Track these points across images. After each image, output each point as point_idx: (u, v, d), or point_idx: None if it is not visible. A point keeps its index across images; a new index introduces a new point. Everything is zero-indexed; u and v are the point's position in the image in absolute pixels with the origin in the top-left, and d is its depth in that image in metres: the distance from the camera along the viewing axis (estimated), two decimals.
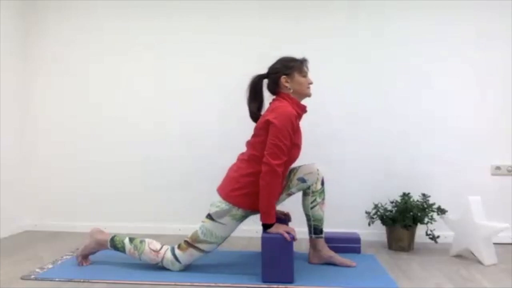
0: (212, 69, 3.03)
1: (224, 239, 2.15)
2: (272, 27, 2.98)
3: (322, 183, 2.26)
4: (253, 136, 2.18)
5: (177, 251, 2.13)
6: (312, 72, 2.90)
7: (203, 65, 3.04)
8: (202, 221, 2.13)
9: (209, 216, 2.12)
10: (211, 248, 2.14)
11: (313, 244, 2.29)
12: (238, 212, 2.10)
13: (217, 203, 2.12)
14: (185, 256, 2.12)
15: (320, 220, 2.25)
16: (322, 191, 2.26)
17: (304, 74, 2.20)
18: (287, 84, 2.17)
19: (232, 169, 2.21)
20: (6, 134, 2.96)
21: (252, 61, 2.98)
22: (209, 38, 3.04)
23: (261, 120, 2.13)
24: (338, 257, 2.26)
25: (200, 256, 2.14)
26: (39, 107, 3.16)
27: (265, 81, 2.27)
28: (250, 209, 2.11)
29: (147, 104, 3.08)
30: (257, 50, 2.98)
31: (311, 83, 2.24)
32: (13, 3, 3.04)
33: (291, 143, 2.07)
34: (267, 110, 2.17)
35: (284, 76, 2.17)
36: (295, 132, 2.11)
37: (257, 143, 2.11)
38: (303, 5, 2.97)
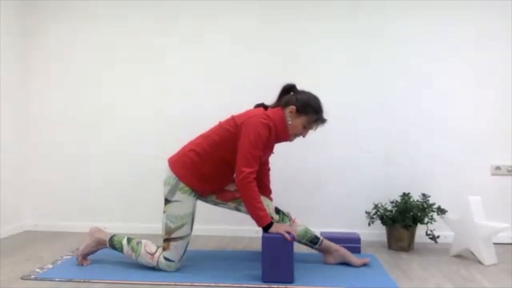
0: (212, 69, 3.03)
1: (192, 215, 2.16)
2: (272, 27, 2.98)
3: (277, 211, 2.22)
4: (227, 121, 2.18)
5: (164, 253, 2.13)
6: (312, 71, 2.94)
7: (203, 65, 3.04)
8: (164, 211, 2.15)
9: (166, 201, 2.15)
10: (187, 230, 2.14)
11: (324, 249, 2.28)
12: (184, 185, 2.12)
13: (167, 179, 2.15)
14: (173, 253, 2.13)
15: (306, 232, 2.24)
16: (283, 217, 2.22)
17: (306, 126, 2.18)
18: (289, 114, 2.16)
19: (189, 143, 2.25)
20: (6, 134, 2.95)
21: (252, 61, 2.99)
22: (209, 38, 3.03)
23: (243, 116, 2.13)
24: (353, 257, 2.26)
25: (185, 244, 2.15)
26: (39, 107, 3.16)
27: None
28: (189, 186, 2.13)
29: (147, 104, 3.07)
30: (257, 50, 2.98)
31: (302, 135, 2.23)
32: (13, 3, 3.03)
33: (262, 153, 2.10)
34: (255, 110, 2.17)
35: (294, 107, 2.15)
36: (266, 147, 2.13)
37: (224, 133, 2.13)
38: (303, 5, 2.97)
